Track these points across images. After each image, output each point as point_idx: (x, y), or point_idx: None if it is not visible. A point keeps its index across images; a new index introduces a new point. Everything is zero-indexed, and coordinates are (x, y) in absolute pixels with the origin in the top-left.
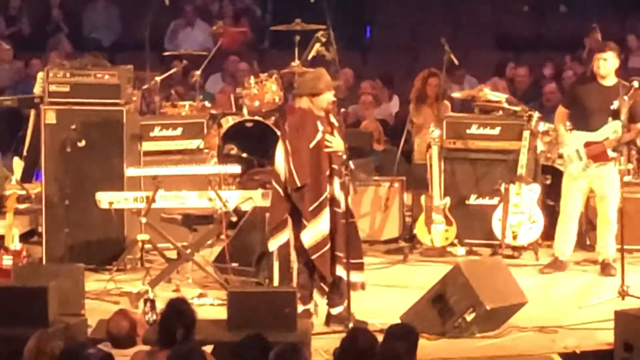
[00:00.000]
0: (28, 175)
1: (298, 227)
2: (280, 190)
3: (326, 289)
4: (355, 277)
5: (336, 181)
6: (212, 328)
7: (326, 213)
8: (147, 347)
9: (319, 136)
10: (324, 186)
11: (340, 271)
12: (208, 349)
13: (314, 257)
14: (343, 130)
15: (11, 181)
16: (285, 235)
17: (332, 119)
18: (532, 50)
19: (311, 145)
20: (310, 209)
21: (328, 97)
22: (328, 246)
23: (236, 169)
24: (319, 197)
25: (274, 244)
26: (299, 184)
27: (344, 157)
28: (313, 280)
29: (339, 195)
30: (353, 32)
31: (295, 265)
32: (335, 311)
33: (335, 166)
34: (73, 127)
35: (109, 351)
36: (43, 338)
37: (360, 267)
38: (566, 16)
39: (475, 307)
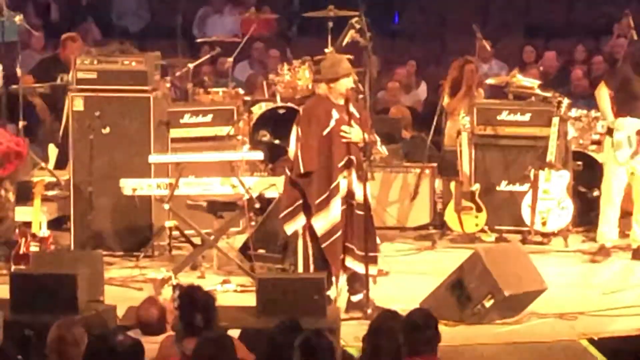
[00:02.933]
0: (63, 162)
1: (309, 214)
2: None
3: (334, 277)
4: (369, 270)
5: (353, 172)
6: (241, 315)
7: (336, 201)
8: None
9: (332, 124)
10: (335, 175)
11: (350, 262)
12: (234, 333)
13: (324, 245)
14: (366, 119)
15: (41, 168)
16: (302, 219)
17: (352, 108)
18: (562, 37)
19: (324, 133)
20: (318, 201)
21: (346, 83)
22: (337, 235)
23: (259, 155)
24: (328, 187)
25: (290, 228)
26: (302, 170)
27: (377, 144)
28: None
29: (356, 186)
30: (381, 18)
31: (310, 251)
32: (355, 298)
33: (352, 157)
34: (97, 114)
35: (138, 338)
36: (65, 326)
37: (374, 260)
38: (596, 2)
39: (493, 294)
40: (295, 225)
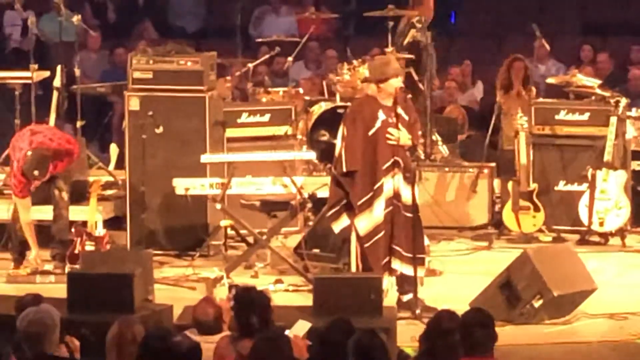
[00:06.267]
0: (123, 162)
1: (353, 214)
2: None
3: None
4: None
5: (399, 174)
6: (297, 314)
7: (380, 202)
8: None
9: (378, 124)
10: (379, 176)
11: (396, 264)
12: (305, 327)
13: (366, 245)
14: (416, 120)
15: (99, 167)
16: (347, 218)
17: (400, 109)
18: (618, 35)
19: (369, 133)
20: (361, 201)
21: (395, 83)
22: (380, 235)
23: (311, 155)
24: (372, 188)
25: (337, 227)
26: (344, 169)
27: (438, 144)
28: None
29: (403, 188)
30: (438, 18)
31: (358, 251)
32: (406, 298)
33: (398, 158)
34: (150, 113)
35: (196, 338)
36: (125, 324)
37: (421, 262)
38: None
39: (542, 294)
40: (341, 224)
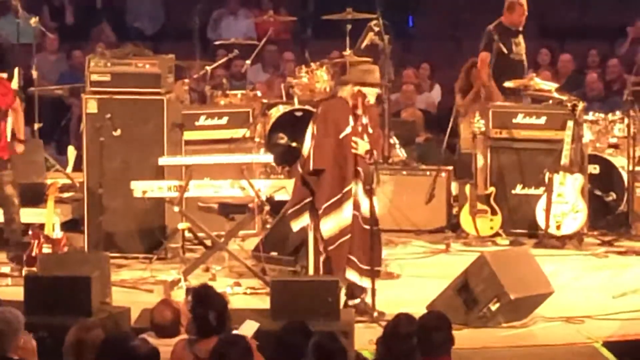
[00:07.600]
0: (81, 164)
1: (315, 214)
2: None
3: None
4: (366, 283)
5: (359, 184)
6: (255, 317)
7: (349, 205)
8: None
9: (348, 130)
10: (349, 179)
11: (350, 274)
12: (253, 327)
13: (330, 248)
14: (379, 136)
15: (56, 170)
16: (307, 218)
17: (365, 119)
18: (576, 39)
19: (340, 136)
20: (328, 203)
21: (371, 92)
22: (345, 238)
23: (268, 157)
24: (341, 190)
25: (295, 226)
26: (312, 167)
27: (396, 147)
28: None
29: (362, 199)
30: (395, 21)
31: (316, 254)
32: (352, 302)
33: (359, 168)
34: (108, 116)
35: (153, 341)
36: (83, 328)
37: (377, 274)
38: (610, 4)
39: (499, 297)
40: (300, 223)
